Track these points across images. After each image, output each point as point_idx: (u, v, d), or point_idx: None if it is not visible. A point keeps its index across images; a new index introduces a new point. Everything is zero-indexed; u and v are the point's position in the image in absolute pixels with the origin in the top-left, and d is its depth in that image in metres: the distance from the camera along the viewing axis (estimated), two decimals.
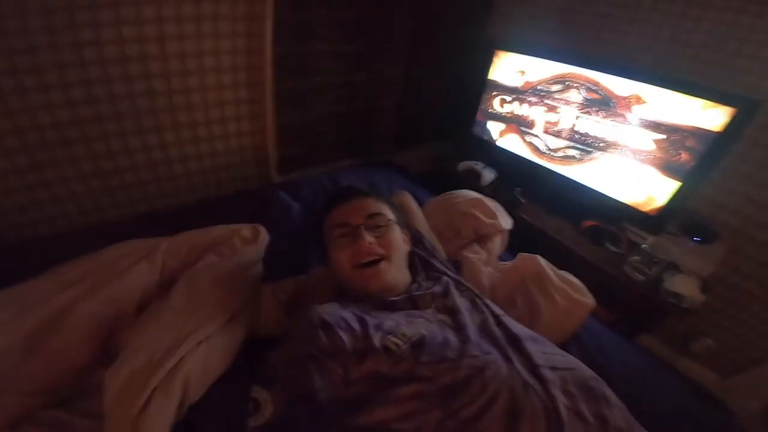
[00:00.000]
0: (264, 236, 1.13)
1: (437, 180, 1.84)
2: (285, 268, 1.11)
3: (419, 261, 0.98)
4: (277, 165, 1.63)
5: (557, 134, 1.50)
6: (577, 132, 1.44)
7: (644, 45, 1.37)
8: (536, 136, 1.57)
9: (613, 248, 1.41)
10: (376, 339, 0.68)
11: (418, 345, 0.67)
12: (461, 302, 0.82)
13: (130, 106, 1.25)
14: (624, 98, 1.31)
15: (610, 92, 1.33)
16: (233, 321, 0.86)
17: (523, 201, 1.57)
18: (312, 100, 1.60)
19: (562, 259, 1.18)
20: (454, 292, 0.85)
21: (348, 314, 0.74)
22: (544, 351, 0.71)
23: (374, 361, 0.65)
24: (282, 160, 1.63)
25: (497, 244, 1.23)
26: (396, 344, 0.67)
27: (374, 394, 0.63)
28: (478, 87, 1.67)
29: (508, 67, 1.58)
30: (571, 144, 1.47)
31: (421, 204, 1.52)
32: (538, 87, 1.51)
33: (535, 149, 1.59)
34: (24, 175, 1.19)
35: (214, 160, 1.50)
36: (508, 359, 0.67)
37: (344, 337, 0.68)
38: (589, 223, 1.47)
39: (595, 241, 1.44)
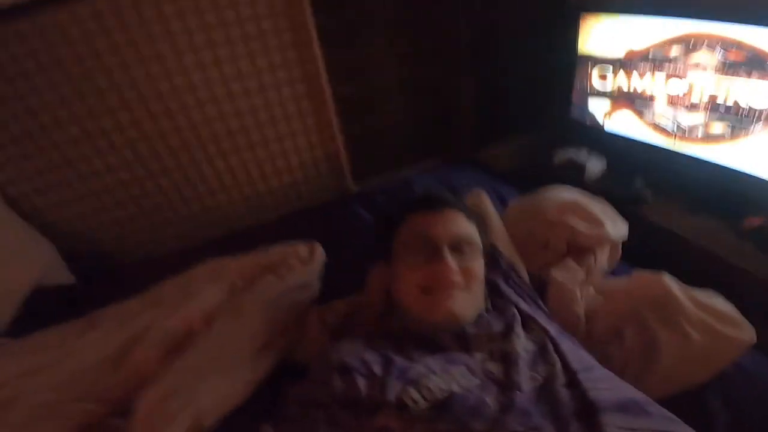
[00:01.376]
0: (319, 255, 1.08)
1: (530, 177, 1.57)
2: (348, 287, 1.02)
3: (488, 285, 0.80)
4: (353, 174, 1.58)
5: (691, 108, 1.11)
6: (720, 103, 1.05)
7: None
8: (658, 112, 1.20)
9: None
10: (394, 389, 0.56)
11: (442, 406, 0.54)
12: (524, 347, 0.65)
13: (209, 132, 1.34)
14: None
15: (760, 50, 0.93)
16: (267, 348, 0.83)
17: (647, 197, 1.21)
18: (378, 103, 1.52)
19: (709, 275, 0.87)
20: (518, 332, 0.68)
21: (373, 355, 0.63)
22: (635, 428, 0.49)
23: (385, 417, 0.54)
24: (357, 168, 1.59)
25: (602, 258, 0.95)
26: (414, 400, 0.55)
27: None
28: (568, 62, 1.37)
29: (603, 34, 1.25)
30: (715, 117, 1.07)
31: None
32: (650, 54, 1.15)
33: (661, 129, 1.21)
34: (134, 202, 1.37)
35: (291, 175, 1.53)
36: None
37: (361, 384, 0.58)
38: (754, 221, 1.05)
39: (764, 247, 1.02)
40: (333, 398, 0.57)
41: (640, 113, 1.25)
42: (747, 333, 0.74)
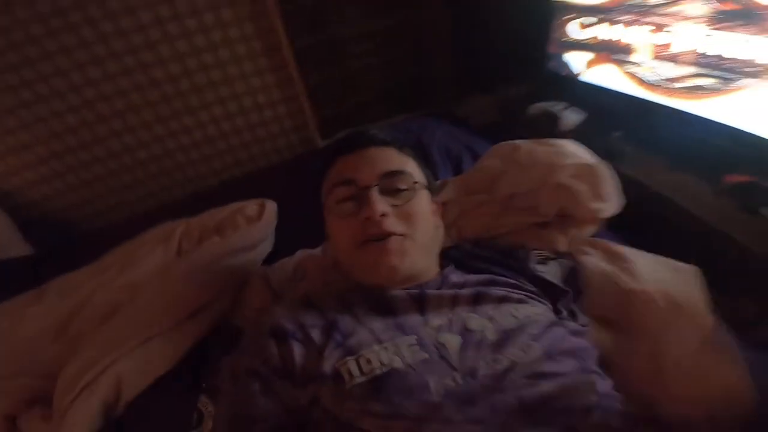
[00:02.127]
0: (270, 213, 1.01)
1: (506, 131, 1.47)
2: (309, 246, 0.97)
3: (461, 252, 0.72)
4: (320, 128, 1.50)
5: (674, 59, 0.99)
6: (706, 55, 0.93)
7: None
8: (640, 64, 1.08)
9: None
10: (331, 359, 0.51)
11: (378, 383, 0.48)
12: (494, 322, 0.55)
13: (165, 92, 1.27)
14: None
15: (754, 2, 0.81)
16: (196, 316, 0.80)
17: (625, 150, 1.11)
18: (341, 54, 1.40)
19: (684, 233, 0.83)
20: (490, 301, 0.58)
21: (313, 318, 0.56)
22: None
23: (318, 388, 0.49)
24: (325, 122, 1.50)
25: (589, 232, 0.83)
26: (350, 372, 0.49)
27: (321, 429, 0.49)
28: (545, 11, 1.23)
29: None
30: (701, 71, 0.95)
31: None
32: (630, 2, 1.02)
33: (642, 81, 1.09)
34: (86, 169, 1.31)
35: (253, 132, 1.46)
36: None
37: (297, 352, 0.52)
38: (735, 177, 0.96)
39: (745, 206, 0.94)
40: (268, 367, 0.52)
41: (621, 64, 1.13)
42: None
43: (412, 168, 0.65)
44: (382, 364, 0.49)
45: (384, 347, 0.51)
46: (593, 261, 0.75)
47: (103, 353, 0.71)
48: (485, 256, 0.72)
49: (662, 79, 1.04)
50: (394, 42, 1.48)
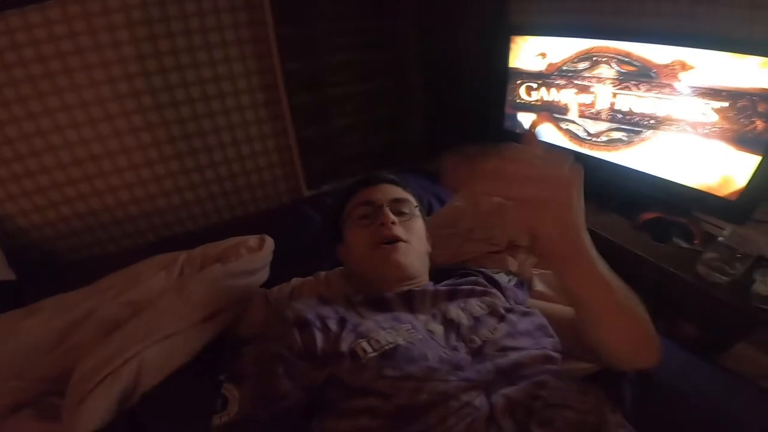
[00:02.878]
0: (269, 245, 1.13)
1: None
2: (295, 275, 1.10)
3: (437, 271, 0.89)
4: (306, 179, 1.67)
5: (595, 116, 1.30)
6: (618, 111, 1.23)
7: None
8: (572, 121, 1.38)
9: (682, 243, 1.15)
10: (347, 342, 0.62)
11: (388, 355, 0.59)
12: (470, 312, 0.71)
13: (165, 133, 1.39)
14: (665, 66, 1.09)
15: (647, 61, 1.12)
16: (209, 321, 0.87)
17: None
18: (331, 113, 1.63)
19: (616, 263, 0.96)
20: (463, 297, 0.75)
21: (328, 311, 0.69)
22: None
23: (337, 366, 0.59)
24: (310, 174, 1.67)
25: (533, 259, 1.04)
26: (364, 350, 0.60)
27: (333, 403, 0.58)
28: (501, 78, 1.53)
29: (529, 52, 1.43)
30: (614, 125, 1.25)
31: None
32: (563, 68, 1.34)
33: (574, 136, 1.39)
34: (82, 201, 1.38)
35: (246, 178, 1.60)
36: (490, 390, 0.55)
37: (318, 338, 0.63)
38: (648, 215, 1.22)
39: (658, 237, 1.19)
40: (291, 351, 0.61)
41: (557, 122, 1.43)
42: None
43: (412, 200, 0.90)
44: (388, 342, 0.61)
45: (387, 332, 0.64)
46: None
47: (129, 344, 0.76)
48: (454, 271, 0.91)
49: (587, 135, 1.34)
50: (374, 104, 1.72)
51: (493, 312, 0.71)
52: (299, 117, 1.53)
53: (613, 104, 1.24)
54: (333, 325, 0.65)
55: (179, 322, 0.83)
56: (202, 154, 1.48)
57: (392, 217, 0.80)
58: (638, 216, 1.24)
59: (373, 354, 0.59)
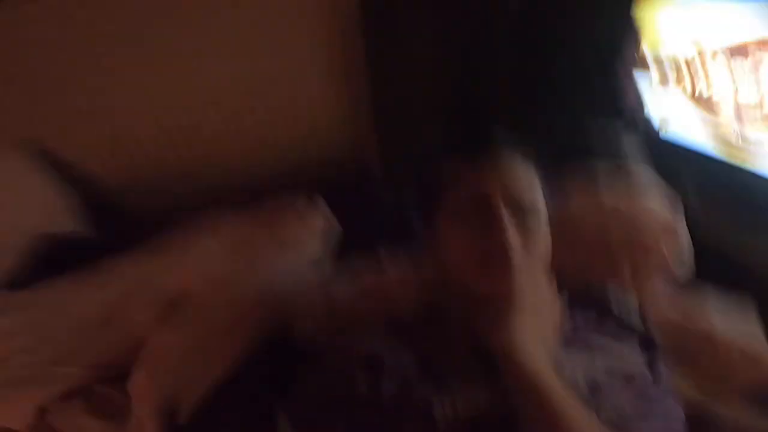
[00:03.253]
0: (321, 209, 1.00)
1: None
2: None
3: None
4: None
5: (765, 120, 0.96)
6: None
7: None
8: (725, 122, 1.06)
9: None
10: (421, 396, 0.50)
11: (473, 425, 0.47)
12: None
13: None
14: None
15: None
16: (257, 323, 0.78)
17: (698, 214, 1.01)
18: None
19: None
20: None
21: (402, 350, 0.55)
22: None
23: (407, 425, 0.48)
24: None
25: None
26: (442, 413, 0.48)
27: None
28: (620, 58, 1.21)
29: (669, 24, 1.07)
30: None
31: None
32: (721, 51, 0.96)
33: (722, 140, 1.07)
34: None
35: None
36: None
37: (386, 386, 0.51)
38: None
39: None
40: (355, 397, 0.51)
41: (702, 120, 1.11)
42: None
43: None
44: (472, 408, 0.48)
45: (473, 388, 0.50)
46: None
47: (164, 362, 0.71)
48: None
49: (742, 141, 1.01)
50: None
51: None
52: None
53: None
54: (405, 370, 0.53)
55: (225, 325, 0.76)
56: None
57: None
58: None
59: (452, 420, 0.47)
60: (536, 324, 0.51)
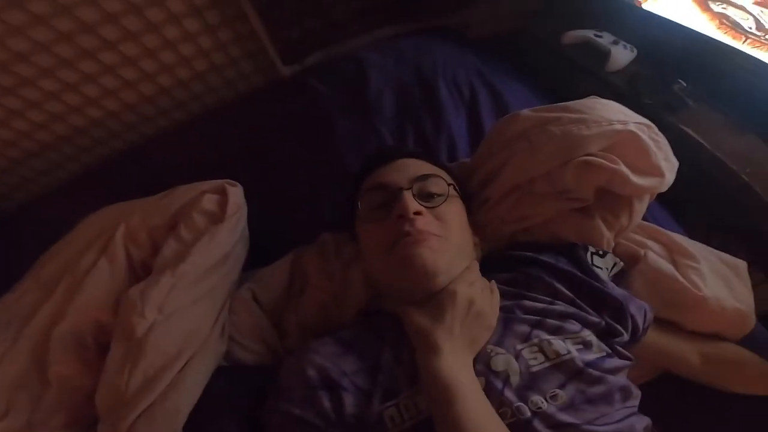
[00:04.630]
0: (235, 203, 0.79)
1: (517, 53, 1.16)
2: (283, 221, 0.88)
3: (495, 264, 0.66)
4: (282, 53, 1.11)
5: None
6: None
7: None
8: (738, 6, 0.79)
9: None
10: (376, 406, 0.50)
11: (419, 429, 0.48)
12: (527, 358, 0.52)
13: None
14: None
15: None
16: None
17: (689, 103, 0.88)
18: None
19: (735, 209, 0.77)
20: (522, 322, 0.55)
21: (354, 363, 0.55)
22: None
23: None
24: (289, 44, 1.10)
25: (640, 210, 0.70)
26: (392, 419, 0.49)
27: None
28: None
29: None
30: None
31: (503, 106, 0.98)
32: None
33: (731, 25, 0.82)
34: None
35: (194, 64, 1.06)
36: None
37: (348, 403, 0.51)
38: None
39: None
40: (322, 419, 0.50)
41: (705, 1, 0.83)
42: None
43: (446, 176, 0.66)
44: (419, 412, 0.49)
45: (419, 391, 0.50)
46: (653, 257, 0.68)
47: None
48: (519, 257, 0.67)
49: (756, 28, 0.78)
50: None
51: (561, 366, 0.50)
52: None
53: None
54: (362, 382, 0.53)
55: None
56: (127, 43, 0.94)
57: (414, 204, 0.58)
58: None
59: (407, 424, 0.49)
60: (457, 322, 0.52)
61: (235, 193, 0.81)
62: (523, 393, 0.48)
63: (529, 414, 0.46)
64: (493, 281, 0.60)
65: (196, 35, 0.99)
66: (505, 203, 0.72)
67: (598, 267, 0.64)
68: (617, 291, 0.60)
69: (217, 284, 0.74)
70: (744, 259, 0.70)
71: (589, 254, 0.65)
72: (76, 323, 0.71)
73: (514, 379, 0.50)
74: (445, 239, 0.57)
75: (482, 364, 0.51)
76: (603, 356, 0.53)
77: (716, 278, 0.67)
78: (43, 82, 0.93)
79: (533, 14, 1.19)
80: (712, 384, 0.64)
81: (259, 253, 0.84)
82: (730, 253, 0.71)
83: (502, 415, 0.46)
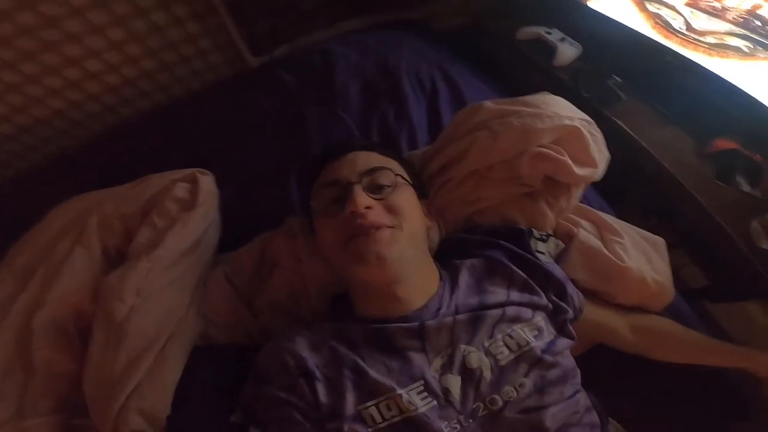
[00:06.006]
0: (206, 192, 0.82)
1: (477, 46, 1.23)
2: (252, 208, 0.91)
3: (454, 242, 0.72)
4: (251, 45, 1.14)
5: (716, 13, 0.80)
6: (758, 17, 0.76)
7: None
8: (669, 6, 0.87)
9: (744, 186, 0.89)
10: (351, 400, 0.53)
11: (398, 428, 0.51)
12: (496, 353, 0.56)
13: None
14: None
15: None
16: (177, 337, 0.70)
17: (622, 97, 0.98)
18: None
19: (660, 195, 0.85)
20: (488, 318, 0.58)
21: (324, 357, 0.57)
22: None
23: (341, 425, 0.51)
24: (257, 36, 1.13)
25: (577, 196, 0.79)
26: (372, 418, 0.51)
27: None
28: None
29: None
30: (740, 31, 0.79)
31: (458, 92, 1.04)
32: None
33: (663, 25, 0.91)
34: None
35: (162, 56, 1.07)
36: None
37: (321, 392, 0.54)
38: (723, 143, 0.91)
39: (721, 174, 0.92)
40: (304, 401, 0.54)
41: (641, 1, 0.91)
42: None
43: (395, 166, 0.67)
44: (400, 411, 0.52)
45: (399, 394, 0.52)
46: (584, 234, 0.76)
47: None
48: (479, 241, 0.71)
49: (686, 28, 0.87)
50: None
51: (523, 356, 0.55)
52: None
53: (757, 7, 0.74)
54: (332, 374, 0.55)
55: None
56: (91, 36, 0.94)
57: (364, 198, 0.59)
58: (710, 141, 0.93)
59: (383, 424, 0.51)
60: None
61: (206, 182, 0.84)
62: (495, 386, 0.53)
63: (501, 404, 0.52)
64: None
65: (164, 27, 1.00)
66: (465, 186, 0.77)
67: (540, 252, 0.69)
68: (558, 271, 0.66)
69: (190, 267, 0.77)
70: (673, 243, 0.79)
71: (533, 240, 0.71)
72: (56, 311, 0.73)
73: (487, 374, 0.54)
74: (398, 229, 0.59)
75: (458, 364, 0.55)
76: (552, 339, 0.58)
77: (638, 252, 0.75)
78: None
79: (492, 10, 1.25)
80: (640, 353, 0.70)
81: (232, 236, 0.87)
82: (664, 237, 0.80)
83: (475, 410, 0.52)
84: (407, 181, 0.67)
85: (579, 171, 0.71)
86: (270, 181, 0.96)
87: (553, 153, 0.70)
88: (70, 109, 1.08)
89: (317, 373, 0.55)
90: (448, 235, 0.77)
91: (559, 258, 0.73)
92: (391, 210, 0.60)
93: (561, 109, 0.73)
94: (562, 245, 0.75)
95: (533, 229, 0.73)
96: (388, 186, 0.63)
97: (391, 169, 0.64)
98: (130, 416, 0.62)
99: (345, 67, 1.08)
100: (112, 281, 0.72)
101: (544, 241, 0.73)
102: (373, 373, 0.54)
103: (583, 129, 0.71)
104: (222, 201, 0.87)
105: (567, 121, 0.71)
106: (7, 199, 1.05)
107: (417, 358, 0.55)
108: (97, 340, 0.68)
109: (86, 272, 0.76)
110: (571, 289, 0.65)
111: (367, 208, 0.58)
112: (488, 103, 0.77)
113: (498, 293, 0.61)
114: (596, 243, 0.74)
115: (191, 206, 0.80)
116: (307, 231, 0.79)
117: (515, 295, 0.61)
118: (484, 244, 0.70)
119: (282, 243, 0.82)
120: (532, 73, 1.11)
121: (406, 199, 0.64)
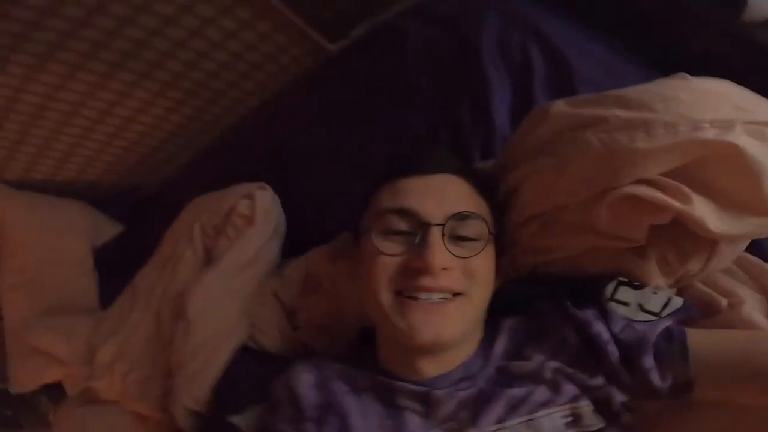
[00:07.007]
0: (262, 210, 0.90)
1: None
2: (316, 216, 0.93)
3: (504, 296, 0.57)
4: (326, 29, 1.07)
5: None
6: None
7: None
8: None
9: None
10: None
11: None
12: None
13: None
14: None
15: None
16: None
17: None
18: None
19: None
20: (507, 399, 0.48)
21: (324, 398, 0.55)
22: None
23: None
24: (333, 19, 1.05)
25: (722, 258, 0.50)
26: None
27: None
28: None
29: None
30: None
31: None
32: None
33: None
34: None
35: (246, 57, 1.12)
36: None
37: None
38: None
39: None
40: None
41: None
42: None
43: (487, 213, 0.54)
44: None
45: None
46: (747, 310, 0.49)
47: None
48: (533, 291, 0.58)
49: None
50: None
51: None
52: None
53: None
54: (324, 415, 0.53)
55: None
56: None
57: (444, 256, 0.47)
58: None
59: None
60: None
61: (263, 197, 0.91)
62: None
63: None
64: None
65: (238, 31, 1.03)
66: (525, 231, 0.57)
67: (619, 302, 0.50)
68: (631, 333, 0.46)
69: (247, 280, 0.89)
70: None
71: (611, 284, 0.51)
72: (173, 304, 0.93)
73: None
74: (467, 298, 0.49)
75: None
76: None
77: None
78: None
79: None
80: None
81: (294, 245, 0.93)
82: None
83: None
84: (492, 237, 0.52)
85: (728, 224, 0.44)
86: (332, 191, 0.94)
87: (660, 196, 0.44)
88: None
89: (307, 414, 0.53)
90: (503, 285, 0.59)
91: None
92: (467, 274, 0.49)
93: (703, 108, 0.43)
94: (679, 300, 0.49)
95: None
96: (474, 240, 0.50)
97: (485, 220, 0.51)
98: (185, 395, 0.80)
99: (416, 50, 0.90)
100: (190, 287, 0.88)
101: (636, 288, 0.51)
102: (358, 427, 0.50)
103: (747, 147, 0.41)
104: (287, 209, 0.95)
105: (710, 133, 0.42)
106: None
107: (415, 421, 0.49)
108: (179, 328, 0.87)
109: (188, 271, 0.95)
110: (648, 360, 0.45)
111: (444, 269, 0.47)
112: (559, 105, 0.53)
113: (534, 363, 0.50)
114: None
115: (251, 222, 0.90)
116: (352, 249, 0.69)
117: (555, 366, 0.48)
118: (537, 296, 0.57)
119: (323, 263, 0.83)
120: (699, 33, 0.68)
121: (488, 266, 0.52)
